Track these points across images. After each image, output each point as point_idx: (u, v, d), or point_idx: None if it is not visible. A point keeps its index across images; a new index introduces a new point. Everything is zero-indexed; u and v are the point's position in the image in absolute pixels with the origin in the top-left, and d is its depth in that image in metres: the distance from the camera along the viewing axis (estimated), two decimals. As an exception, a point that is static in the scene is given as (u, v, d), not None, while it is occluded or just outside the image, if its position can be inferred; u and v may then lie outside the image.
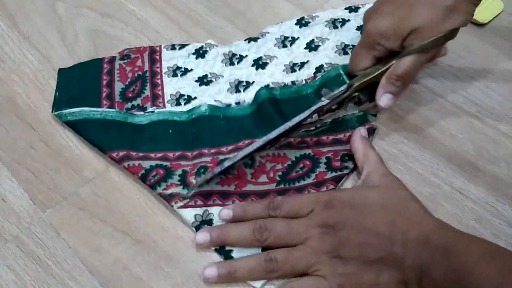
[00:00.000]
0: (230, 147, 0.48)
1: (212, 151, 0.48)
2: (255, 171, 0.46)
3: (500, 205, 0.44)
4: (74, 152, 0.49)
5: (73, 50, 0.57)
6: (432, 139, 0.49)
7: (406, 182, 0.46)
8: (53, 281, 0.42)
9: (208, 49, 0.56)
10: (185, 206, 0.44)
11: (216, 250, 0.42)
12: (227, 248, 0.42)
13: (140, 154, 0.47)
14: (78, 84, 0.54)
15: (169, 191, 0.44)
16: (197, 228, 0.43)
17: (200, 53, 0.56)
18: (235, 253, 0.41)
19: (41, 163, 0.49)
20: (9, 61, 0.57)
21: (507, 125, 0.49)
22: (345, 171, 0.45)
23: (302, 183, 0.45)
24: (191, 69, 0.55)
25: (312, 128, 0.48)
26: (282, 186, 0.45)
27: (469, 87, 0.53)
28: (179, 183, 0.45)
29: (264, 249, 0.41)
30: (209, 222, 0.43)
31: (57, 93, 0.53)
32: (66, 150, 0.49)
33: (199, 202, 0.44)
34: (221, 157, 0.46)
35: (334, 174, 0.45)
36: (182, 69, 0.55)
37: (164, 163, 0.47)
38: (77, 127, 0.50)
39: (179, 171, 0.46)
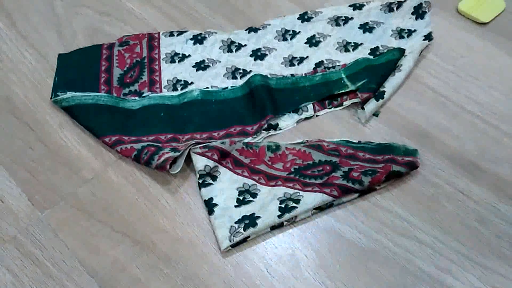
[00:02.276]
0: (221, 133, 0.49)
1: (204, 135, 0.49)
2: (274, 157, 0.47)
3: (503, 205, 0.44)
4: (72, 152, 0.49)
5: (71, 49, 0.57)
6: (434, 138, 0.48)
7: (408, 183, 0.45)
8: (51, 283, 0.41)
9: (206, 36, 0.57)
10: (202, 154, 0.45)
11: (204, 201, 0.44)
12: (213, 202, 0.44)
13: (132, 138, 0.48)
14: (77, 69, 0.55)
15: (162, 159, 0.45)
16: (201, 177, 0.45)
17: (198, 39, 0.57)
18: (218, 210, 0.43)
19: (39, 163, 0.48)
20: (7, 60, 0.57)
21: (509, 125, 0.49)
22: (356, 186, 0.43)
23: (312, 181, 0.45)
24: (189, 55, 0.56)
25: (354, 141, 0.48)
26: (292, 176, 0.45)
27: (471, 86, 0.52)
28: (169, 151, 0.46)
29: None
30: (214, 178, 0.45)
31: (56, 78, 0.54)
32: (64, 150, 0.49)
33: (215, 157, 0.46)
34: (212, 142, 0.47)
35: (345, 182, 0.44)
36: (180, 55, 0.56)
37: (156, 144, 0.47)
38: (73, 112, 0.50)
39: (170, 148, 0.47)
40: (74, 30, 0.59)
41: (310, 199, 0.43)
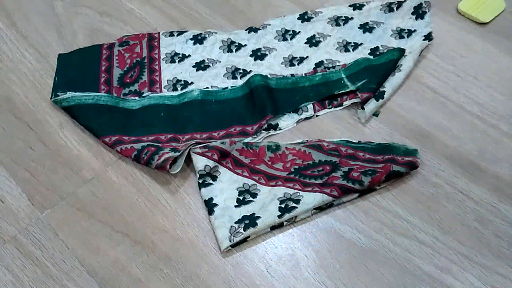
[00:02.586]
0: (222, 133, 0.49)
1: (204, 135, 0.49)
2: (274, 157, 0.47)
3: (502, 205, 0.44)
4: (72, 152, 0.49)
5: (71, 49, 0.57)
6: (434, 139, 0.48)
7: (408, 183, 0.45)
8: (51, 283, 0.41)
9: (206, 36, 0.57)
10: (202, 154, 0.46)
11: (204, 201, 0.44)
12: (213, 202, 0.44)
13: (132, 138, 0.48)
14: (77, 69, 0.55)
15: (162, 159, 0.45)
16: (201, 177, 0.45)
17: (198, 39, 0.57)
18: (218, 210, 0.44)
19: (39, 163, 0.48)
20: (7, 60, 0.57)
21: (509, 125, 0.49)
22: (356, 186, 0.43)
23: (312, 181, 0.45)
24: (189, 55, 0.56)
25: (354, 141, 0.48)
26: (292, 176, 0.45)
27: (471, 86, 0.52)
28: (169, 151, 0.46)
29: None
30: (214, 178, 0.45)
31: (56, 78, 0.54)
32: (65, 150, 0.49)
33: (215, 157, 0.46)
34: (212, 142, 0.47)
35: (345, 182, 0.44)
36: (180, 55, 0.56)
37: (156, 144, 0.48)
38: (73, 112, 0.50)
39: (170, 148, 0.47)
40: (74, 30, 0.59)
41: (310, 199, 0.43)
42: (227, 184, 0.45)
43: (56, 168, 0.48)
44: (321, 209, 0.44)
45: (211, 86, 0.53)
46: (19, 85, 0.54)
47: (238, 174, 0.46)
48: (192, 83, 0.53)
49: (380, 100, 0.49)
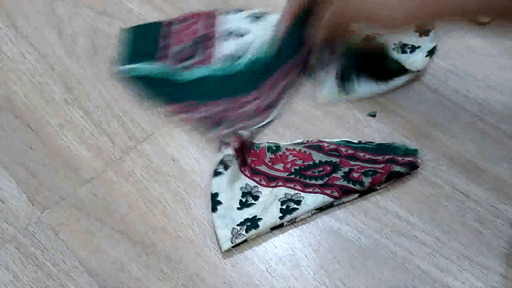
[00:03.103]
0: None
1: (250, 97, 0.50)
2: (275, 158, 0.47)
3: (502, 205, 0.44)
4: (72, 152, 0.49)
5: (71, 49, 0.57)
6: (434, 139, 0.48)
7: (408, 183, 0.45)
8: (51, 283, 0.41)
9: (262, 16, 0.58)
10: (228, 145, 0.47)
11: (211, 194, 0.45)
12: (218, 198, 0.44)
13: (202, 108, 0.50)
14: (139, 43, 0.57)
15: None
16: (219, 164, 0.46)
17: (255, 18, 0.58)
18: (221, 208, 0.44)
19: (39, 163, 0.48)
20: (7, 60, 0.57)
21: (509, 125, 0.49)
22: (357, 187, 0.44)
23: (312, 182, 0.45)
24: (244, 34, 0.57)
25: (355, 141, 0.48)
26: (292, 176, 0.45)
27: (471, 86, 0.52)
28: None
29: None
30: (226, 167, 0.46)
31: (121, 50, 0.56)
32: (64, 150, 0.49)
33: (236, 146, 0.47)
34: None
35: (345, 183, 0.44)
36: (235, 33, 0.57)
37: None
38: (136, 83, 0.53)
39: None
40: (74, 30, 0.59)
41: (311, 200, 0.43)
42: (232, 178, 0.45)
43: (56, 168, 0.48)
44: (321, 209, 0.44)
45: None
46: (19, 85, 0.54)
47: (241, 171, 0.46)
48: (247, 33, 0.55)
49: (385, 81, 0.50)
